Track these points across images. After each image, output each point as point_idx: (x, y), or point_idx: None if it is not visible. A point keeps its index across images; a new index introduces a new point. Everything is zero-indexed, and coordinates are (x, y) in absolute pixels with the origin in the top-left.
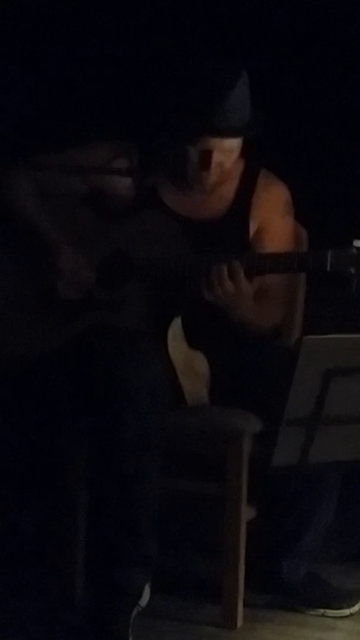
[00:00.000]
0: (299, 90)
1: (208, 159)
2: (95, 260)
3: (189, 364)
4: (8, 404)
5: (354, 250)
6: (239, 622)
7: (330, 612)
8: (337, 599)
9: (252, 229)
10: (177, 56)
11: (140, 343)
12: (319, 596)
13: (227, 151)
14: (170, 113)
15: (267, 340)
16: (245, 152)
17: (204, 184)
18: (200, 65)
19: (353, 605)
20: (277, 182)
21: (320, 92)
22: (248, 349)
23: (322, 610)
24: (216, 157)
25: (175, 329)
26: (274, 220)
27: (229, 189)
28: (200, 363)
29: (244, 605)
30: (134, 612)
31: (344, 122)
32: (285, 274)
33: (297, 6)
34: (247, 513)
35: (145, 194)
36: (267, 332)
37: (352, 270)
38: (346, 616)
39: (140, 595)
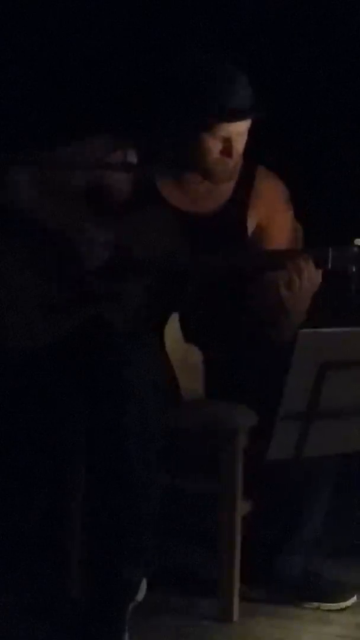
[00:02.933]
0: (298, 87)
1: (229, 145)
2: (94, 255)
3: (184, 359)
4: (8, 397)
5: (355, 249)
6: (235, 616)
7: (325, 606)
8: (332, 593)
9: (252, 225)
10: (178, 48)
11: (141, 337)
12: (314, 590)
13: (241, 134)
14: (182, 105)
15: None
16: (244, 149)
17: (227, 171)
18: (201, 56)
19: (348, 599)
20: (275, 179)
21: (319, 89)
22: (243, 342)
23: (317, 604)
24: (234, 142)
25: (171, 323)
26: (275, 217)
27: (228, 185)
28: (196, 357)
29: (240, 600)
30: (130, 607)
31: (344, 119)
32: None
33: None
34: (242, 507)
35: (144, 189)
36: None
37: (353, 269)
38: (341, 609)
39: (137, 590)
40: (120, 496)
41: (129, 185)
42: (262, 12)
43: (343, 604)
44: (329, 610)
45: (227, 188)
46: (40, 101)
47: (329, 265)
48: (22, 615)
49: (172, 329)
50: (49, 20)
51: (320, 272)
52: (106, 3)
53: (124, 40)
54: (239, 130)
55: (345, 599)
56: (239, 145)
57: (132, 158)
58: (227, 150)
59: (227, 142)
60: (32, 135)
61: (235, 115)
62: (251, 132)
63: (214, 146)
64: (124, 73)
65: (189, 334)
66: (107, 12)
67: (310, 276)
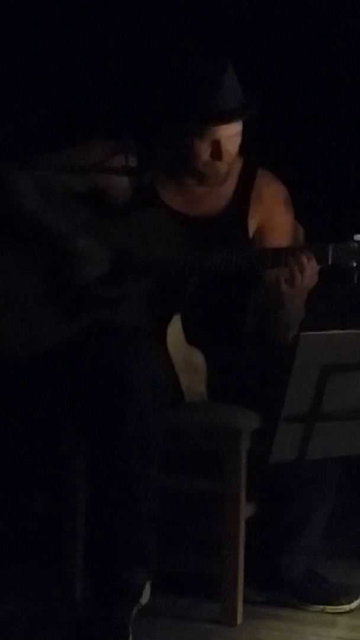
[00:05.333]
0: (297, 87)
1: (219, 148)
2: (95, 258)
3: (187, 361)
4: (8, 402)
5: (355, 244)
6: (239, 619)
7: (330, 608)
8: (336, 595)
9: (252, 226)
10: (169, 53)
11: (141, 340)
12: (318, 592)
13: (232, 137)
14: (168, 109)
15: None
16: (243, 151)
17: (217, 174)
18: (191, 59)
19: (352, 601)
20: (275, 181)
21: (318, 88)
22: (246, 345)
23: (321, 607)
24: (223, 145)
25: (174, 325)
26: (275, 218)
27: (228, 187)
28: (198, 360)
29: (244, 603)
30: (135, 611)
31: (343, 117)
32: None
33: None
34: (246, 510)
35: (144, 192)
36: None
37: (354, 264)
38: (345, 612)
39: (141, 594)
40: (120, 497)
41: (129, 189)
42: (262, 11)
43: (347, 607)
44: (333, 613)
45: (226, 190)
46: (38, 103)
47: (330, 262)
48: (24, 618)
49: (176, 331)
50: (46, 20)
51: (317, 269)
52: (105, 6)
53: (124, 41)
54: (228, 132)
55: (349, 602)
56: (230, 147)
57: (133, 162)
58: (216, 154)
59: (217, 145)
60: (31, 137)
61: (222, 118)
62: (250, 132)
63: (204, 149)
64: (122, 75)
65: (191, 336)
66: (107, 15)
67: (312, 273)
